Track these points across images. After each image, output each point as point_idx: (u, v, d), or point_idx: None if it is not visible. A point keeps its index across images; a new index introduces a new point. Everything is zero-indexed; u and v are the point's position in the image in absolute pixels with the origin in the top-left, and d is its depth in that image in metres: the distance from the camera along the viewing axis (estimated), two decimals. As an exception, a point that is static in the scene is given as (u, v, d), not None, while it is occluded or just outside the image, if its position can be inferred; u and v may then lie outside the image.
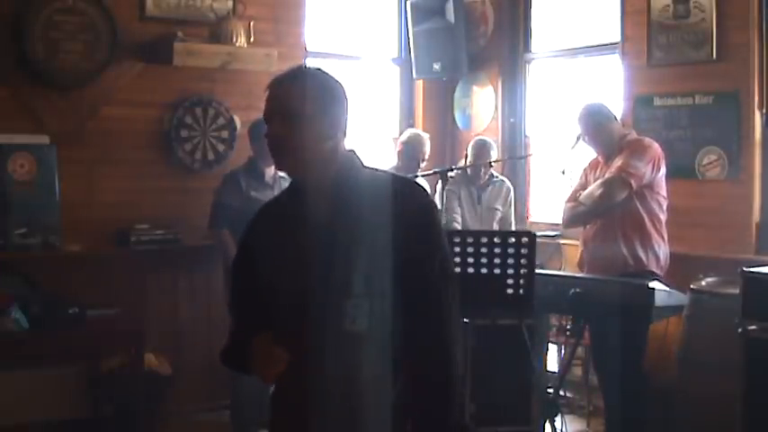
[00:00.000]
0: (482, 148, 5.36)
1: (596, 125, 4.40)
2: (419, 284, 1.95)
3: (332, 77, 2.06)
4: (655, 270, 4.26)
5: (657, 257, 4.32)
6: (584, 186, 4.49)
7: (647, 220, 4.29)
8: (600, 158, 4.50)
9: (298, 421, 1.99)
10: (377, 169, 2.13)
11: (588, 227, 4.43)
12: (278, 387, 2.09)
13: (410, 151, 5.30)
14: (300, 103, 1.97)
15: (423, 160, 5.31)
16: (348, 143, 2.08)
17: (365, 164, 2.08)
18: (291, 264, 1.98)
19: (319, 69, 2.07)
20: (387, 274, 1.92)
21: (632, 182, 4.21)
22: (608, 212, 4.29)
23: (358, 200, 1.97)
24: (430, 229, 2.01)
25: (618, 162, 4.28)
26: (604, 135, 4.40)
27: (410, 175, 4.84)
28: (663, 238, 4.35)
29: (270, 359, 1.97)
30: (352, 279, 1.92)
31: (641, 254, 4.27)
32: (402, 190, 2.02)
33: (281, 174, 5.07)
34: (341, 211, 1.97)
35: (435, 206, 2.11)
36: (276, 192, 4.97)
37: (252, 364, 2.03)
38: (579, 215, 4.44)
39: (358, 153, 2.08)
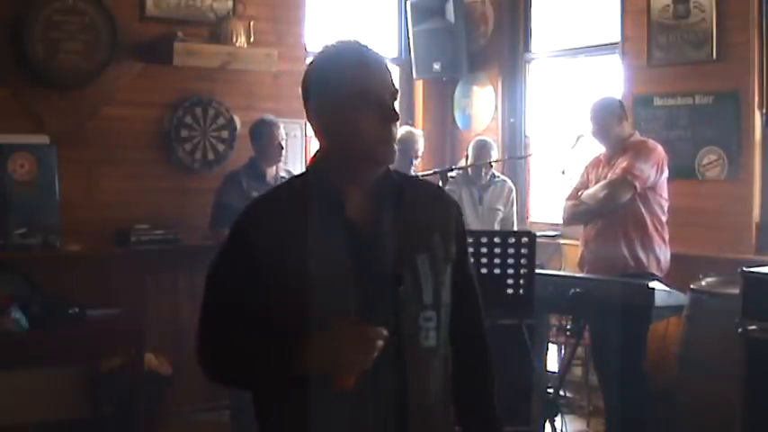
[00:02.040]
0: (482, 148, 5.36)
1: (608, 120, 4.37)
2: (463, 290, 1.91)
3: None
4: (655, 272, 4.26)
5: (658, 259, 4.32)
6: (585, 184, 4.49)
7: (649, 222, 4.30)
8: (602, 156, 4.49)
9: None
10: (407, 174, 2.07)
11: (589, 227, 4.43)
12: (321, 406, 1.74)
13: (403, 148, 5.30)
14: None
15: (416, 157, 5.31)
16: None
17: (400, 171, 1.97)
18: (337, 270, 1.72)
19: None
20: (447, 282, 1.83)
21: (637, 184, 4.21)
22: (610, 213, 4.29)
23: (415, 204, 1.82)
24: (465, 233, 1.95)
25: (622, 163, 4.28)
26: (614, 131, 4.39)
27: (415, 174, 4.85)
28: (664, 240, 4.35)
29: (365, 340, 1.63)
30: (423, 290, 1.77)
31: (642, 255, 4.28)
32: (438, 193, 1.98)
33: (282, 174, 5.08)
34: (390, 215, 1.78)
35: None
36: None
37: (324, 356, 1.66)
38: (581, 214, 4.44)
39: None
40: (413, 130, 5.41)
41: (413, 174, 4.88)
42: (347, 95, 1.74)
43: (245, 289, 1.78)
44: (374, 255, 1.74)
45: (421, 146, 5.36)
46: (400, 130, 5.42)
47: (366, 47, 1.83)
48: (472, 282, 1.96)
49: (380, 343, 1.63)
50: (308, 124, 1.87)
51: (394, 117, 1.76)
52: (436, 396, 1.82)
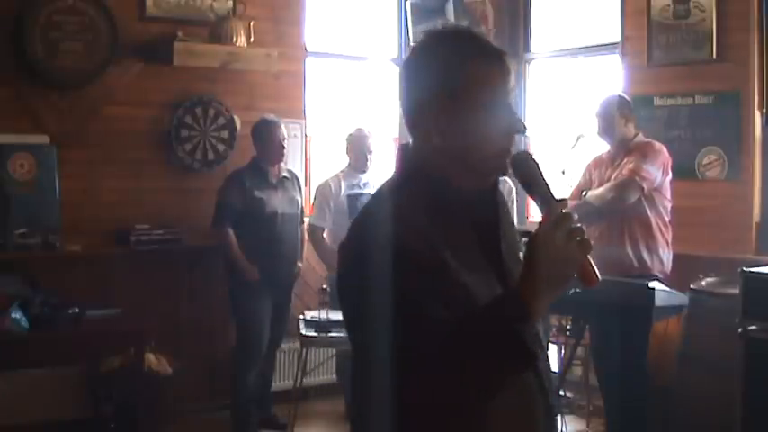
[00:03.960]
0: None
1: (615, 118, 4.37)
2: None
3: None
4: (658, 273, 4.26)
5: (661, 261, 4.32)
6: (587, 184, 4.48)
7: (654, 223, 4.29)
8: (605, 156, 4.48)
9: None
10: None
11: (592, 228, 4.42)
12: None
13: (357, 147, 5.31)
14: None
15: (369, 152, 5.31)
16: None
17: None
18: (485, 273, 1.64)
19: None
20: None
21: (644, 185, 4.21)
22: (615, 214, 4.29)
23: (504, 204, 1.77)
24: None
25: (629, 164, 4.27)
26: (619, 130, 4.38)
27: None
28: (667, 242, 4.35)
29: (564, 224, 1.48)
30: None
31: (646, 257, 4.28)
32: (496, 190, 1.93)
33: (284, 174, 5.09)
34: (502, 216, 1.73)
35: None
36: (280, 192, 4.99)
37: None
38: (584, 215, 4.42)
39: None
40: (363, 128, 5.40)
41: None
42: (486, 95, 1.62)
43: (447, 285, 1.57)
44: (501, 254, 1.67)
45: (372, 143, 5.35)
46: (351, 130, 5.41)
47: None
48: None
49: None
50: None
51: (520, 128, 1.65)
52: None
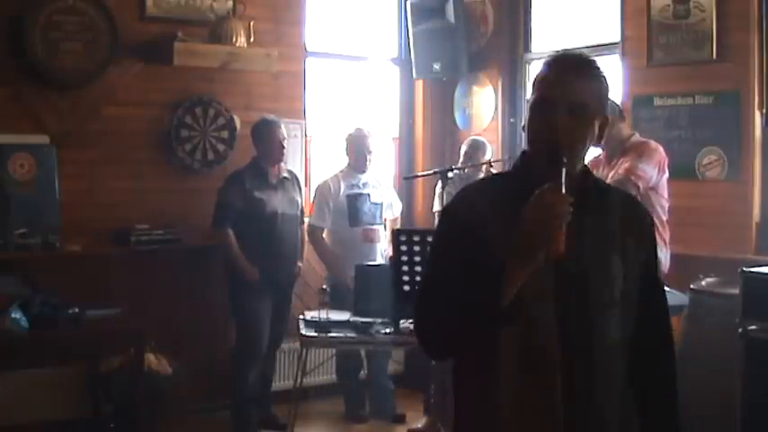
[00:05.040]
0: (475, 148, 5.38)
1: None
2: (653, 298, 1.99)
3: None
4: (655, 273, 4.26)
5: (659, 260, 4.31)
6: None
7: (650, 223, 4.29)
8: (602, 157, 4.50)
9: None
10: (598, 178, 2.08)
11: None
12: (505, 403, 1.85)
13: (357, 147, 5.31)
14: (595, 98, 1.88)
15: (369, 152, 5.32)
16: None
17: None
18: (544, 266, 1.79)
19: (593, 59, 1.94)
20: (635, 285, 1.89)
21: (640, 184, 4.22)
22: None
23: (607, 203, 1.92)
24: (656, 243, 2.05)
25: (624, 163, 4.28)
26: (612, 132, 4.39)
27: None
28: (665, 241, 4.35)
29: (544, 201, 1.70)
30: (613, 286, 1.85)
31: (643, 256, 4.27)
32: (633, 201, 2.07)
33: (285, 174, 5.09)
34: (591, 213, 1.85)
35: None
36: (280, 192, 4.99)
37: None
38: None
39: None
40: (362, 128, 5.40)
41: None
42: (532, 99, 1.91)
43: (460, 261, 1.82)
44: (569, 249, 1.74)
45: (371, 143, 5.35)
46: (351, 130, 5.41)
47: (570, 56, 1.93)
48: (661, 291, 2.04)
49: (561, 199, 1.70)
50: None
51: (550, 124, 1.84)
52: (609, 394, 1.86)
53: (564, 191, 1.72)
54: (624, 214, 1.94)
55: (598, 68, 1.92)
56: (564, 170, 1.75)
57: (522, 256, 1.72)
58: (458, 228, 1.87)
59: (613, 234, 1.89)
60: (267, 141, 4.97)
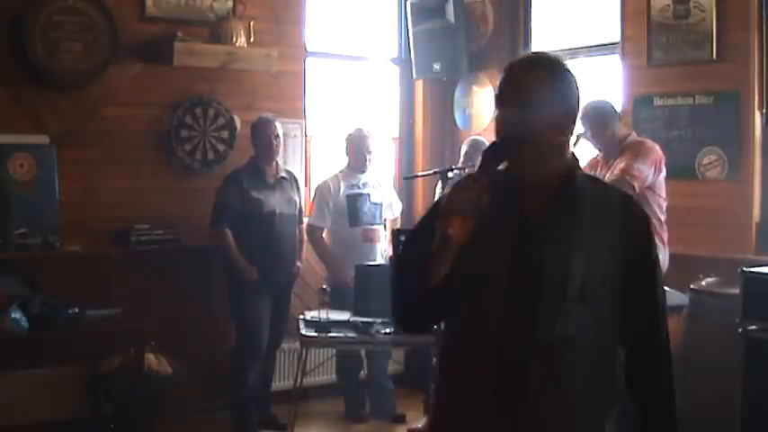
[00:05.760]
0: (475, 148, 5.38)
1: (600, 123, 4.39)
2: (643, 300, 1.94)
3: (570, 70, 1.99)
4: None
5: (657, 260, 4.31)
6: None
7: (648, 222, 4.29)
8: (600, 158, 4.50)
9: (483, 424, 1.88)
10: (597, 178, 2.10)
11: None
12: (455, 388, 1.96)
13: (357, 147, 5.32)
14: (542, 88, 1.90)
15: (369, 152, 5.32)
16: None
17: (586, 173, 2.06)
18: (496, 253, 1.89)
19: (559, 59, 2.00)
20: (604, 283, 1.87)
21: (635, 184, 4.22)
22: None
23: (583, 202, 1.91)
24: (651, 245, 1.99)
25: (620, 164, 4.29)
26: (607, 133, 4.40)
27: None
28: (663, 240, 4.35)
29: (464, 185, 1.83)
30: (568, 282, 1.85)
31: (642, 255, 4.27)
32: (624, 201, 2.01)
33: (283, 174, 5.08)
34: (561, 212, 1.90)
35: (651, 221, 2.04)
36: (277, 192, 4.99)
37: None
38: None
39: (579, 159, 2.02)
40: (362, 128, 5.40)
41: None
42: None
43: (425, 242, 1.91)
44: (533, 243, 1.86)
45: (371, 143, 5.35)
46: (351, 130, 5.42)
47: (528, 56, 2.06)
48: (657, 307, 1.98)
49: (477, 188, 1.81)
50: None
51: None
52: (571, 387, 1.86)
53: (485, 181, 1.82)
54: (607, 214, 1.91)
55: (556, 67, 1.95)
56: (496, 162, 1.88)
57: (437, 238, 1.84)
58: (434, 213, 1.94)
59: (583, 232, 1.88)
60: (259, 139, 4.98)
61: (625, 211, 1.97)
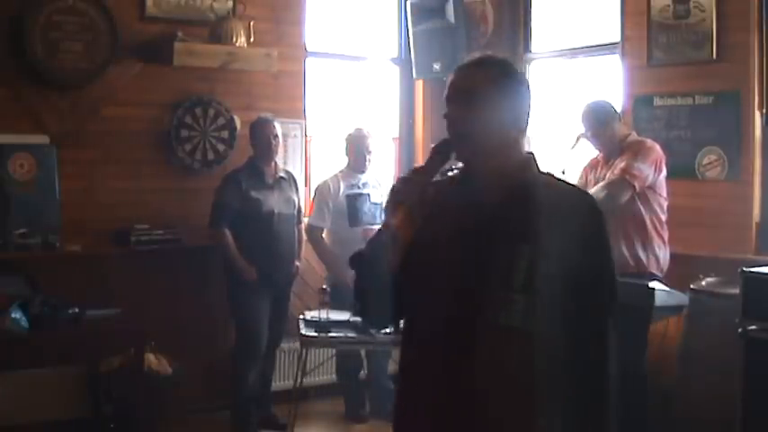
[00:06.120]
0: None
1: (599, 123, 4.40)
2: (586, 299, 1.92)
3: (520, 71, 2.05)
4: (655, 272, 4.26)
5: (658, 259, 4.32)
6: (583, 186, 4.49)
7: (648, 221, 4.30)
8: (600, 158, 4.50)
9: (431, 410, 1.95)
10: (556, 176, 2.12)
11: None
12: (408, 375, 2.04)
13: (357, 147, 5.32)
14: (483, 87, 1.96)
15: (369, 152, 5.33)
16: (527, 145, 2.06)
17: (542, 170, 2.07)
18: (448, 246, 1.95)
19: (506, 59, 2.05)
20: (547, 279, 1.88)
21: (636, 184, 4.22)
22: (610, 214, 4.29)
23: (531, 198, 1.94)
24: (603, 245, 1.97)
25: (620, 163, 4.28)
26: (607, 134, 4.40)
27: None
28: (663, 240, 4.35)
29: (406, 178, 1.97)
30: (513, 275, 1.88)
31: (642, 255, 4.28)
32: (579, 200, 2.03)
33: (282, 174, 5.08)
34: (510, 206, 1.94)
35: (607, 227, 2.02)
36: (276, 192, 4.99)
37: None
38: None
39: (537, 157, 2.05)
40: (362, 128, 5.40)
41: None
42: None
43: None
44: (482, 236, 1.91)
45: (371, 143, 5.36)
46: (350, 130, 5.42)
47: (472, 58, 2.07)
48: (600, 309, 1.95)
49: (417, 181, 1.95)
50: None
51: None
52: (515, 377, 1.87)
53: (431, 175, 1.95)
54: (558, 211, 1.92)
55: (499, 66, 2.00)
56: (441, 158, 2.00)
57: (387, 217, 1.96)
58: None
59: (531, 226, 1.90)
60: (258, 139, 4.98)
61: (579, 209, 1.97)
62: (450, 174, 2.15)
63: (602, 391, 1.94)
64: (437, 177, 2.10)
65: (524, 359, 1.86)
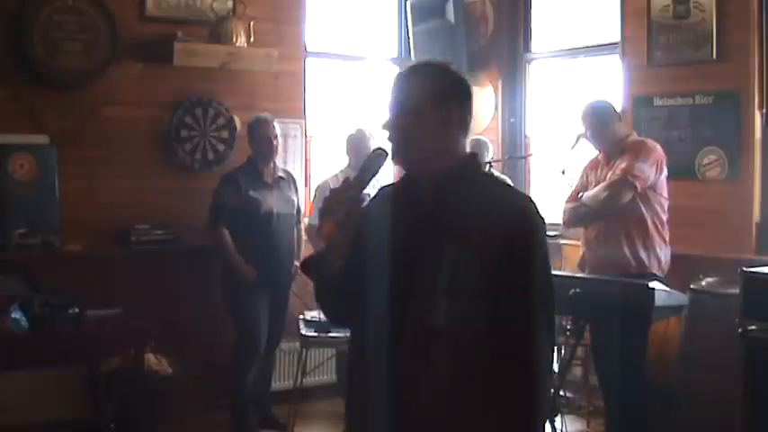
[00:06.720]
0: (477, 148, 5.38)
1: (600, 123, 4.39)
2: (508, 305, 1.91)
3: (456, 73, 2.05)
4: (656, 272, 4.26)
5: (659, 259, 4.32)
6: (584, 186, 4.49)
7: (650, 221, 4.30)
8: (600, 158, 4.50)
9: (366, 403, 2.02)
10: (499, 180, 2.14)
11: (590, 228, 4.43)
12: (354, 367, 2.14)
13: (357, 147, 5.32)
14: (420, 93, 1.99)
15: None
16: (467, 148, 2.08)
17: (486, 172, 2.09)
18: (388, 249, 2.01)
19: (447, 63, 2.06)
20: (472, 280, 1.90)
21: (637, 184, 4.22)
22: (611, 215, 4.29)
23: (460, 201, 1.97)
24: (531, 249, 1.95)
25: (621, 164, 4.28)
26: (607, 134, 4.40)
27: None
28: (664, 240, 4.35)
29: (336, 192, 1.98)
30: (437, 275, 1.92)
31: (643, 255, 4.28)
32: (511, 204, 1.99)
33: (281, 174, 5.08)
34: (441, 208, 1.99)
35: (539, 232, 1.99)
36: (275, 192, 5.00)
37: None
38: (582, 216, 4.43)
39: (480, 159, 2.09)
40: (363, 129, 5.41)
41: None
42: None
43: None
44: (411, 238, 1.98)
45: (372, 143, 5.35)
46: (352, 131, 5.42)
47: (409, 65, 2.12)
48: (525, 317, 1.93)
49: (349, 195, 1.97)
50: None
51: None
52: (440, 376, 1.90)
53: (361, 188, 1.97)
54: (488, 213, 1.93)
55: (426, 70, 2.03)
56: (374, 168, 2.00)
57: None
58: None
59: (459, 227, 1.93)
60: (257, 139, 4.97)
61: (509, 213, 1.95)
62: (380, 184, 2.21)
63: (528, 392, 1.91)
64: (374, 186, 2.12)
65: (448, 359, 1.90)
